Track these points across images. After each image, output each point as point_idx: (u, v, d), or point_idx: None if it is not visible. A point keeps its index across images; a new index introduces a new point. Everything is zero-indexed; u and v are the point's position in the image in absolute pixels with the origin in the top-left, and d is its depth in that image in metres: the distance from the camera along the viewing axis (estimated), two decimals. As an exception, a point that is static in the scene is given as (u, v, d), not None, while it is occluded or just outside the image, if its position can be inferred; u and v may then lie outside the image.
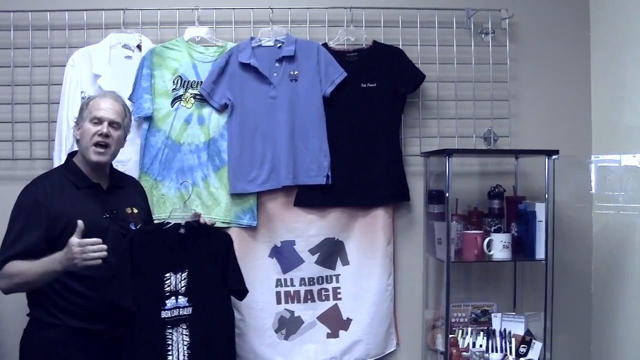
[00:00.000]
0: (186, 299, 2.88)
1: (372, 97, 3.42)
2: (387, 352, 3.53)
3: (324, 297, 3.48)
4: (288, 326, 3.44)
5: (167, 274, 2.87)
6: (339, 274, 3.49)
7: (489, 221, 3.37)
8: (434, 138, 3.56)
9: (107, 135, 2.70)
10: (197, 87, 3.35)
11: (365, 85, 3.43)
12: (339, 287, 3.48)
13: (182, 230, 2.92)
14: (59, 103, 3.29)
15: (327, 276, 3.48)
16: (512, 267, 3.53)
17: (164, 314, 2.84)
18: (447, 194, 3.14)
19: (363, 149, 3.42)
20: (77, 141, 2.77)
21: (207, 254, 2.96)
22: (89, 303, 2.63)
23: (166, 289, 2.86)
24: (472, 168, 3.64)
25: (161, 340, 2.82)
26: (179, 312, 2.86)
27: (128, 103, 3.20)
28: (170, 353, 2.83)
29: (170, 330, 2.84)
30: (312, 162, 3.37)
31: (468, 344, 3.26)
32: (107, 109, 2.73)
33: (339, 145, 3.41)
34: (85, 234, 2.56)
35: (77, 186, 2.71)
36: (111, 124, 2.73)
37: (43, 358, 2.65)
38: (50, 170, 2.88)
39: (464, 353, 3.19)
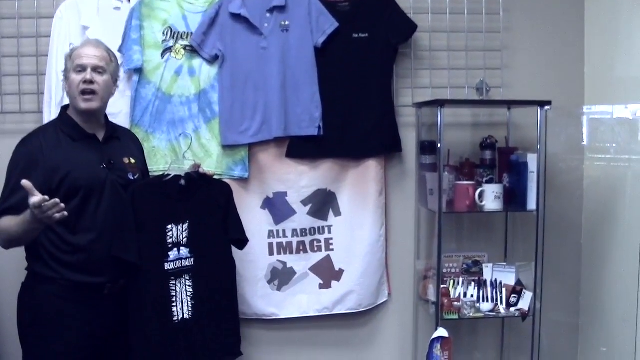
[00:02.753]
0: (188, 249, 2.92)
1: (363, 48, 3.40)
2: (379, 303, 3.58)
3: (316, 248, 3.50)
4: (280, 277, 3.47)
5: (169, 226, 2.90)
6: (331, 225, 3.51)
7: (480, 172, 3.37)
8: (426, 89, 3.55)
9: (91, 82, 2.67)
10: (187, 38, 3.32)
11: (357, 36, 3.41)
12: (331, 238, 3.51)
13: (182, 182, 2.94)
14: (47, 56, 3.25)
15: (319, 227, 3.50)
16: (503, 217, 3.56)
17: (167, 266, 2.88)
18: (439, 145, 3.14)
19: (355, 99, 3.41)
20: (67, 93, 2.75)
21: (208, 205, 2.99)
22: (88, 256, 2.64)
23: (168, 241, 2.89)
24: (464, 119, 3.63)
25: (165, 291, 2.87)
26: (181, 264, 2.91)
27: (118, 55, 3.13)
28: (174, 304, 2.88)
29: (174, 282, 2.89)
30: (303, 113, 3.36)
31: (459, 294, 3.30)
32: (88, 55, 2.69)
33: (331, 96, 3.39)
34: (82, 185, 2.61)
35: (72, 138, 2.69)
36: (95, 69, 2.69)
37: (42, 312, 2.65)
38: (46, 124, 2.87)
39: (456, 303, 3.23)
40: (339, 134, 3.40)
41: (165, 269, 2.88)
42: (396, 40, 3.43)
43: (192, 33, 3.32)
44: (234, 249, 3.11)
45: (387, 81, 3.46)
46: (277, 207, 3.44)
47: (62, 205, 2.38)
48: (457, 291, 3.32)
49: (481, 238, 3.60)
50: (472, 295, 3.29)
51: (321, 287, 3.50)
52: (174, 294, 2.88)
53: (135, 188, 2.85)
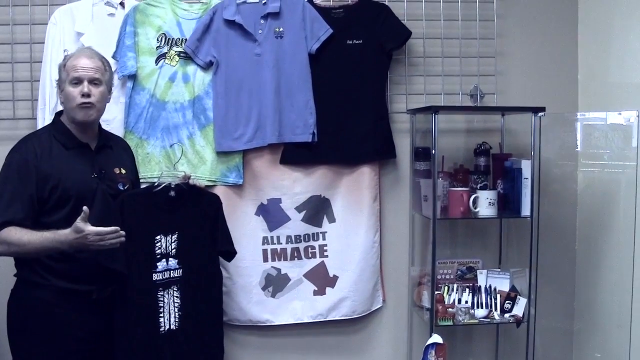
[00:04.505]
0: (176, 261, 2.94)
1: (358, 54, 3.40)
2: (374, 309, 3.57)
3: (310, 255, 3.50)
4: (275, 284, 3.46)
5: (158, 237, 2.91)
6: (326, 232, 3.50)
7: (475, 178, 3.36)
8: (420, 95, 3.54)
9: (88, 95, 2.66)
10: (181, 44, 3.31)
11: (351, 42, 3.40)
12: (326, 245, 3.50)
13: (172, 193, 2.93)
14: (41, 62, 3.24)
15: (313, 233, 3.49)
16: (497, 224, 3.56)
17: (155, 277, 2.89)
18: (433, 151, 3.12)
19: (349, 106, 3.40)
20: (62, 103, 2.73)
21: (197, 216, 2.99)
22: (77, 265, 2.62)
23: (157, 252, 2.90)
24: (459, 125, 3.63)
25: (153, 302, 2.88)
26: (169, 274, 2.92)
27: (112, 61, 3.18)
28: (162, 315, 2.90)
29: (161, 292, 2.90)
30: (297, 120, 3.36)
31: (454, 300, 3.30)
32: (84, 68, 2.67)
33: (325, 103, 3.39)
34: (73, 195, 2.59)
35: (65, 146, 2.68)
36: (91, 81, 2.67)
37: (31, 318, 2.64)
38: (38, 130, 2.85)
39: (450, 309, 3.22)
40: (333, 140, 3.40)
41: (154, 279, 2.89)
42: (390, 47, 3.42)
43: (186, 39, 3.31)
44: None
45: (381, 87, 3.46)
46: (271, 213, 3.43)
47: (122, 232, 2.50)
48: (451, 297, 3.31)
49: (475, 244, 3.60)
50: (466, 302, 3.28)
51: (315, 293, 3.49)
52: (161, 304, 2.90)
53: (124, 197, 2.85)
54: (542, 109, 3.19)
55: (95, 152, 2.77)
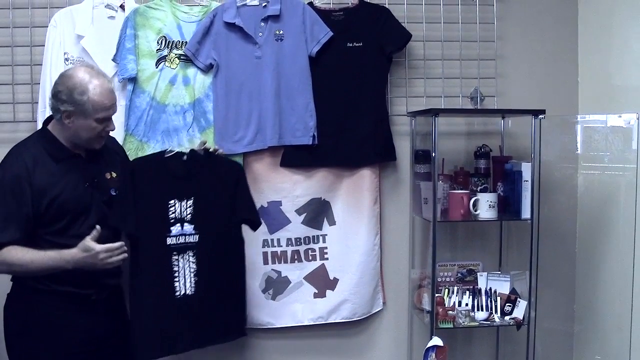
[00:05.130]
0: (192, 226, 2.94)
1: (358, 57, 3.40)
2: (374, 312, 3.57)
3: (310, 257, 3.50)
4: (275, 286, 3.46)
5: (172, 201, 2.93)
6: (326, 234, 3.50)
7: (475, 181, 3.36)
8: (421, 98, 3.54)
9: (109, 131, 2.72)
10: (181, 47, 3.31)
11: (351, 45, 3.40)
12: (326, 247, 3.50)
13: (184, 158, 2.96)
14: (41, 64, 3.24)
15: (313, 236, 3.50)
16: (498, 226, 3.56)
17: (169, 241, 2.91)
18: (433, 154, 3.12)
19: (349, 108, 3.40)
20: (62, 122, 2.63)
21: (215, 182, 3.00)
22: (76, 272, 2.59)
23: (170, 216, 2.92)
24: (459, 128, 3.63)
25: (167, 266, 2.90)
26: (185, 239, 2.93)
27: (112, 64, 3.21)
28: (177, 279, 2.92)
29: (176, 257, 2.92)
30: (298, 122, 3.36)
31: (454, 303, 3.30)
32: (113, 106, 2.67)
33: (325, 105, 3.38)
34: (69, 209, 2.60)
35: (56, 158, 2.64)
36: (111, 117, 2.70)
37: (30, 321, 2.63)
38: (27, 141, 2.72)
39: (450, 312, 3.21)
40: (333, 143, 3.40)
41: (167, 243, 2.91)
42: (390, 49, 3.42)
43: (186, 42, 3.31)
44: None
45: (381, 90, 3.45)
46: (271, 216, 3.43)
47: (125, 248, 2.58)
48: (451, 300, 3.31)
49: (475, 247, 3.60)
50: (466, 304, 3.28)
51: (316, 296, 3.49)
52: (176, 269, 2.92)
53: (135, 163, 2.93)
54: (542, 112, 3.19)
55: (87, 160, 2.74)
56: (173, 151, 2.97)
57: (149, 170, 2.92)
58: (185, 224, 2.93)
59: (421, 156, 3.41)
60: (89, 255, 2.50)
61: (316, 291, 3.50)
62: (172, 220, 2.92)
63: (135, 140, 3.26)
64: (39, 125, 3.09)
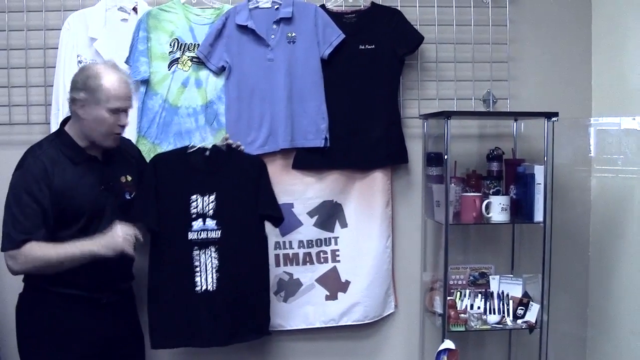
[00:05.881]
0: (215, 221, 2.96)
1: (370, 59, 3.39)
2: (386, 314, 3.56)
3: (322, 260, 3.49)
4: (287, 289, 3.46)
5: (193, 196, 2.96)
6: (338, 237, 3.49)
7: (487, 184, 3.35)
8: (433, 100, 3.53)
9: (124, 126, 2.72)
10: (194, 49, 3.32)
11: (363, 47, 3.39)
12: (338, 250, 3.49)
13: (207, 153, 2.99)
14: (55, 67, 3.26)
15: (325, 239, 3.49)
16: (510, 229, 3.54)
17: (190, 236, 2.94)
18: (445, 157, 3.11)
19: (361, 111, 3.39)
20: (76, 114, 2.64)
21: (237, 178, 3.02)
22: (84, 274, 2.60)
23: (192, 211, 2.95)
24: (471, 130, 3.62)
25: (188, 261, 2.93)
26: (207, 235, 2.96)
27: (124, 67, 3.21)
28: (197, 274, 2.94)
29: (197, 252, 2.95)
30: (310, 125, 3.35)
31: (466, 306, 3.27)
32: (127, 98, 2.68)
33: (337, 108, 3.38)
34: (85, 211, 2.62)
35: (73, 161, 2.64)
36: (127, 110, 2.71)
37: (41, 323, 2.64)
38: (43, 142, 2.72)
39: (462, 315, 3.19)
40: (345, 146, 3.39)
41: (189, 238, 2.94)
42: (402, 52, 3.41)
43: (198, 44, 3.32)
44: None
45: (393, 93, 3.44)
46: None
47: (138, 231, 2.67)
48: (463, 303, 3.28)
49: (488, 250, 3.58)
50: (478, 307, 3.26)
51: (327, 298, 3.49)
52: (197, 264, 2.94)
53: (157, 157, 2.98)
54: (555, 114, 3.17)
55: (103, 163, 2.74)
56: (195, 146, 3.00)
57: (171, 165, 2.96)
58: (208, 219, 2.96)
59: (433, 159, 3.39)
60: (109, 235, 2.56)
61: (328, 293, 3.49)
62: (193, 215, 2.94)
63: (148, 142, 3.27)
64: (53, 127, 3.17)
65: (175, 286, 2.90)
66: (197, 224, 2.94)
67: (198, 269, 2.94)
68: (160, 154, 3.05)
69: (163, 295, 2.90)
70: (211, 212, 2.95)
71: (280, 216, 3.11)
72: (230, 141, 3.03)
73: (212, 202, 2.96)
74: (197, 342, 3.00)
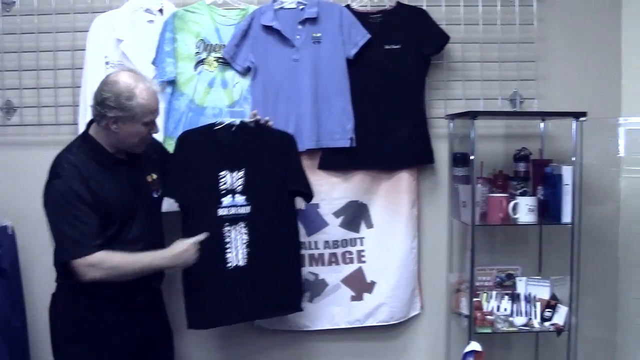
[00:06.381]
0: (244, 197, 2.98)
1: (395, 59, 3.37)
2: (411, 316, 3.55)
3: (348, 260, 3.48)
4: (312, 289, 3.46)
5: (222, 172, 2.98)
6: (363, 237, 3.48)
7: (514, 184, 3.32)
8: (459, 100, 3.51)
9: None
10: (219, 50, 3.33)
11: (389, 47, 3.38)
12: (363, 250, 3.48)
13: (233, 129, 3.00)
14: (82, 68, 3.30)
15: (351, 239, 3.48)
16: (537, 230, 3.49)
17: (220, 212, 2.96)
18: (472, 157, 3.10)
19: (387, 111, 3.38)
20: (108, 129, 2.60)
21: (266, 153, 3.03)
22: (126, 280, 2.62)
23: (221, 187, 2.97)
24: (498, 130, 3.58)
25: (218, 237, 2.94)
26: (236, 211, 2.97)
27: (151, 67, 3.24)
28: (229, 250, 2.97)
29: (228, 228, 2.96)
30: (335, 125, 3.35)
31: (492, 307, 3.25)
32: (157, 109, 2.68)
33: (363, 108, 3.37)
34: (119, 214, 2.62)
35: (102, 165, 2.62)
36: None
37: (75, 322, 2.64)
38: (70, 148, 2.68)
39: (489, 317, 3.17)
40: (371, 146, 3.38)
41: (219, 214, 2.95)
42: (428, 52, 3.40)
43: (224, 45, 3.33)
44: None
45: (419, 92, 3.42)
46: (309, 218, 3.42)
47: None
48: (490, 305, 3.26)
49: (514, 251, 3.54)
50: (505, 309, 3.24)
51: (353, 299, 3.48)
52: (228, 240, 2.96)
53: (184, 134, 2.99)
54: (584, 114, 3.14)
55: (129, 165, 2.73)
56: (223, 123, 3.00)
57: (198, 142, 2.97)
58: (237, 195, 2.97)
59: (459, 159, 3.38)
60: (183, 251, 2.67)
61: (353, 294, 3.48)
62: (223, 192, 2.96)
63: (174, 142, 3.23)
64: (80, 128, 3.15)
65: (207, 264, 2.87)
66: (226, 200, 2.96)
67: (229, 245, 2.96)
68: (188, 130, 3.06)
69: (196, 273, 2.89)
70: (240, 187, 2.97)
71: (310, 192, 3.10)
72: (258, 117, 3.03)
73: (241, 177, 2.98)
74: (231, 319, 3.05)
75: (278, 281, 3.02)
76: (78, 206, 2.51)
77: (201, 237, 2.74)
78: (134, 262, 2.58)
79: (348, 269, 3.49)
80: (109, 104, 2.54)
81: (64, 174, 2.54)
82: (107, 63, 3.25)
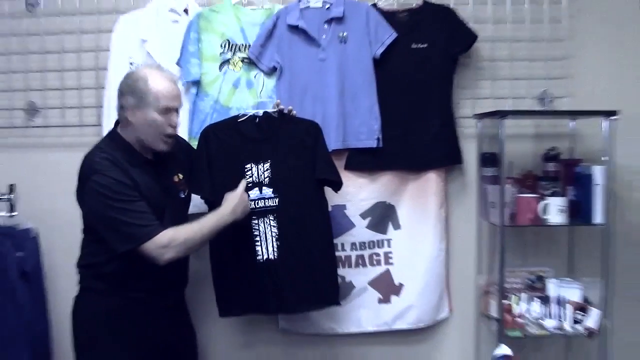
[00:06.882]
0: (271, 189, 2.95)
1: (423, 58, 3.34)
2: (439, 319, 3.51)
3: (375, 262, 3.45)
4: (340, 292, 3.34)
5: (248, 165, 2.96)
6: (391, 239, 3.45)
7: (544, 184, 3.28)
8: (487, 99, 3.46)
9: (176, 126, 2.67)
10: (245, 50, 3.31)
11: (415, 46, 3.34)
12: (391, 252, 3.45)
13: (257, 120, 2.98)
14: (107, 69, 3.30)
15: (378, 241, 3.45)
16: (567, 231, 3.45)
17: None
18: (501, 157, 3.07)
19: (414, 111, 3.34)
20: (127, 119, 2.60)
21: (292, 144, 2.99)
22: (150, 279, 2.61)
23: (248, 180, 2.93)
24: (527, 130, 3.52)
25: (247, 230, 2.93)
26: (264, 203, 2.95)
27: (176, 68, 3.23)
28: (258, 243, 2.95)
29: (256, 221, 2.95)
30: (362, 125, 3.32)
31: (522, 310, 3.20)
32: (175, 97, 2.63)
33: (390, 108, 3.33)
34: (159, 211, 2.60)
35: (131, 163, 2.58)
36: (177, 110, 2.67)
37: (99, 326, 2.61)
38: (100, 145, 2.64)
39: (519, 319, 3.14)
40: (398, 146, 3.35)
41: None
42: (456, 51, 3.36)
43: (249, 45, 3.31)
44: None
45: (446, 92, 3.38)
46: (335, 220, 3.34)
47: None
48: (520, 307, 3.21)
49: (545, 252, 3.49)
50: (535, 312, 3.20)
51: (380, 301, 3.45)
52: (257, 233, 2.95)
53: (208, 128, 2.97)
54: (615, 113, 3.09)
55: (156, 164, 2.71)
56: (246, 115, 2.98)
57: (222, 136, 2.95)
58: (264, 187, 2.95)
59: (488, 159, 3.36)
60: (239, 202, 2.71)
61: (381, 297, 3.45)
62: (249, 185, 2.93)
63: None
64: (105, 129, 3.16)
65: (237, 256, 2.91)
66: (253, 193, 2.93)
67: (258, 237, 2.94)
68: (211, 125, 3.03)
69: (226, 266, 2.91)
70: (267, 180, 2.95)
71: (338, 180, 3.05)
72: (282, 107, 3.00)
73: (267, 170, 2.96)
74: (264, 309, 3.04)
75: (312, 274, 2.99)
76: (126, 192, 2.49)
77: (243, 184, 2.79)
78: (201, 229, 2.58)
79: (375, 271, 3.45)
80: (124, 90, 2.58)
81: (101, 168, 2.51)
82: (131, 64, 3.24)
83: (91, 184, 2.49)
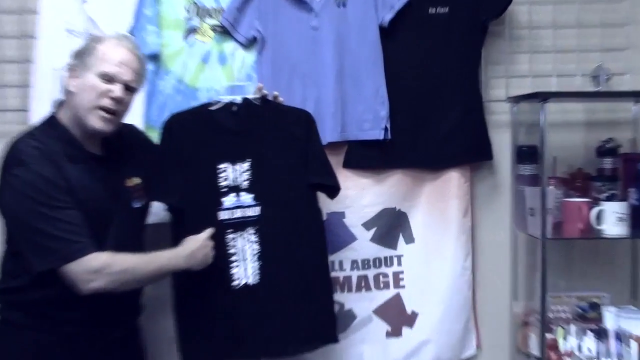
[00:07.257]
0: (252, 195, 2.64)
1: (443, 27, 2.99)
2: (465, 357, 3.15)
3: (382, 285, 3.09)
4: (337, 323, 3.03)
5: (222, 165, 2.64)
6: (402, 255, 3.09)
7: (598, 186, 2.96)
8: (525, 78, 3.13)
9: (120, 101, 2.30)
10: (217, 15, 2.95)
11: (434, 11, 2.99)
12: (402, 272, 3.09)
13: (234, 108, 2.67)
14: (35, 37, 2.87)
15: (386, 257, 3.09)
16: (630, 246, 3.11)
17: (221, 215, 2.61)
18: (542, 151, 2.75)
19: (432, 93, 3.00)
20: (68, 91, 2.31)
21: (278, 138, 2.70)
22: (86, 311, 2.27)
23: (222, 184, 2.62)
24: (576, 116, 3.19)
25: (221, 248, 2.58)
26: (242, 213, 2.63)
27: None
28: (234, 264, 2.62)
29: (232, 236, 2.62)
30: (366, 112, 2.96)
31: (572, 347, 2.84)
32: (124, 65, 2.30)
33: (401, 90, 2.98)
34: (89, 225, 2.23)
35: (70, 159, 2.28)
36: (126, 85, 2.31)
37: None
38: (33, 132, 2.34)
39: (567, 358, 2.79)
40: (411, 138, 3.01)
41: (219, 218, 2.60)
42: (486, 16, 3.00)
43: (223, 9, 2.95)
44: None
45: (473, 69, 3.05)
46: (332, 231, 2.97)
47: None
48: (568, 343, 2.85)
49: (600, 273, 3.15)
50: (589, 349, 2.80)
51: (389, 335, 3.08)
52: (233, 251, 2.61)
53: (172, 119, 2.65)
54: (690, 93, 2.78)
55: (104, 163, 2.39)
56: (221, 101, 2.66)
57: (190, 128, 2.63)
58: (242, 192, 2.63)
59: (526, 154, 3.02)
60: (198, 248, 2.39)
61: (389, 329, 3.08)
62: (224, 189, 2.61)
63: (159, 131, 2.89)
64: (33, 116, 2.76)
65: (206, 281, 2.56)
66: (229, 200, 2.60)
67: (234, 257, 2.61)
68: (176, 114, 2.69)
69: (191, 295, 2.59)
70: (246, 183, 2.62)
71: (335, 184, 2.74)
72: (265, 92, 2.69)
73: (246, 170, 2.63)
74: (241, 354, 2.66)
75: (301, 304, 2.64)
76: (54, 196, 2.17)
77: (209, 231, 2.47)
78: (147, 264, 2.29)
79: (382, 297, 3.10)
80: (73, 54, 2.34)
81: (29, 159, 2.20)
82: (69, 31, 2.84)
83: (11, 178, 2.19)
